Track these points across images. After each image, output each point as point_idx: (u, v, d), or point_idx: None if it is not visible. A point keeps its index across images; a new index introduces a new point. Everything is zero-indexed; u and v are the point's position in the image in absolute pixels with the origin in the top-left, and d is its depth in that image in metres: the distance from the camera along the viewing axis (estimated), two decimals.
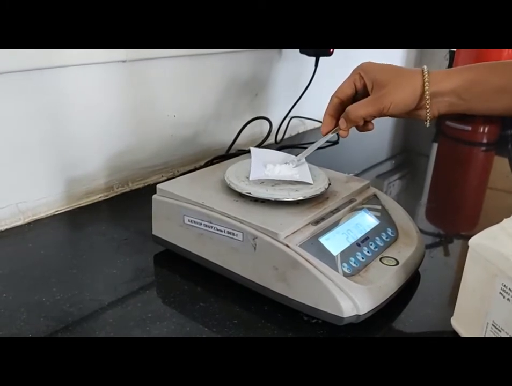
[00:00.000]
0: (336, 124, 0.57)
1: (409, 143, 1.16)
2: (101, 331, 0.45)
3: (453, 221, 0.74)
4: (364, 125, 0.57)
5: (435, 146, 1.13)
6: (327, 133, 0.58)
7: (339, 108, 0.57)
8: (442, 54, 1.41)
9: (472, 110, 0.55)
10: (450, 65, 1.33)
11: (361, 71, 0.55)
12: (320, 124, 1.04)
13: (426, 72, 0.53)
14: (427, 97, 0.52)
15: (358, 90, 0.56)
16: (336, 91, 0.57)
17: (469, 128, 1.15)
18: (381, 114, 0.54)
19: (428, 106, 0.53)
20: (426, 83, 0.52)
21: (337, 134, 0.57)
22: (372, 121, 0.57)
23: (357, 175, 0.83)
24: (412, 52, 1.48)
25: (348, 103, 0.56)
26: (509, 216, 0.42)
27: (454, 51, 1.27)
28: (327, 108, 0.58)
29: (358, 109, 0.54)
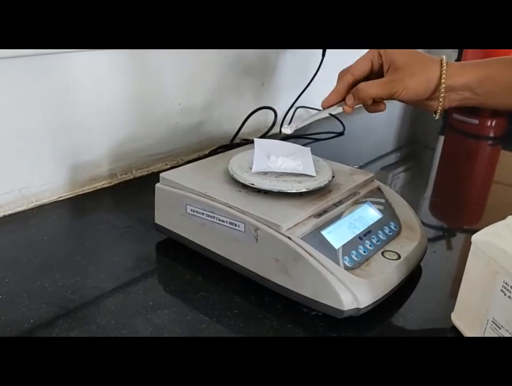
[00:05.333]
0: (340, 98, 0.56)
1: (415, 135, 1.15)
2: (102, 319, 0.45)
3: (457, 216, 0.74)
4: (375, 105, 0.56)
5: (441, 139, 1.12)
6: (327, 108, 0.56)
7: (351, 85, 0.55)
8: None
9: (483, 104, 0.54)
10: (459, 58, 1.32)
11: (381, 50, 0.54)
12: (327, 115, 1.04)
13: (445, 64, 0.52)
14: (442, 90, 0.52)
15: (374, 69, 0.55)
16: (351, 67, 0.55)
17: (477, 121, 1.14)
18: (392, 98, 0.53)
19: (441, 99, 0.52)
20: (444, 76, 0.51)
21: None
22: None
23: (362, 167, 0.83)
24: None
25: (361, 80, 0.54)
26: None
27: None
28: (338, 84, 0.55)
29: (370, 89, 0.53)
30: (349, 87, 0.55)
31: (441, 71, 0.51)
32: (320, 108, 0.57)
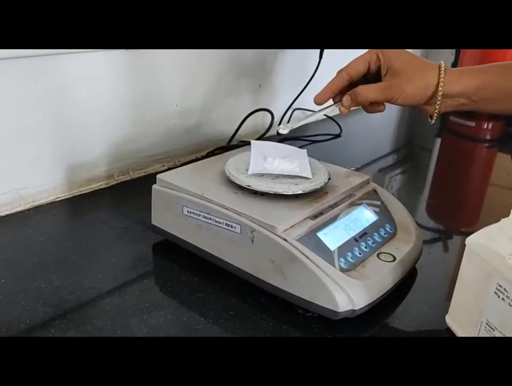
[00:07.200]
0: (337, 99, 0.56)
1: (412, 137, 1.16)
2: (98, 319, 0.45)
3: (453, 218, 0.74)
4: (374, 106, 0.56)
5: (438, 141, 1.12)
6: (320, 104, 0.56)
7: (345, 84, 0.55)
8: (448, 50, 1.40)
9: (479, 109, 0.55)
10: (456, 61, 1.32)
11: (380, 52, 0.54)
12: (323, 117, 1.04)
13: (443, 71, 0.52)
14: (439, 97, 0.52)
15: (371, 70, 0.55)
16: (347, 66, 0.55)
17: (473, 124, 1.15)
18: (389, 102, 0.54)
19: (437, 105, 0.53)
20: (441, 83, 0.51)
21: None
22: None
23: (358, 169, 0.83)
24: None
25: (356, 81, 0.55)
26: (508, 215, 0.42)
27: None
28: (332, 80, 0.56)
29: (367, 93, 0.53)
30: (343, 86, 0.55)
31: (439, 78, 0.52)
32: (318, 110, 0.58)
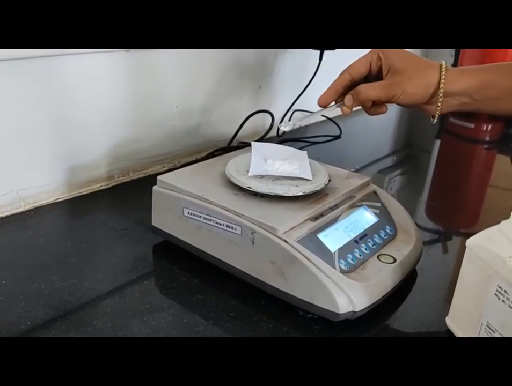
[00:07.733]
0: (339, 100, 0.56)
1: (411, 139, 1.16)
2: (99, 321, 0.45)
3: (453, 219, 0.74)
4: (377, 107, 0.56)
5: (438, 142, 1.13)
6: (324, 106, 0.56)
7: (348, 84, 0.55)
8: (447, 51, 1.40)
9: (481, 109, 0.55)
10: (455, 61, 1.33)
11: (381, 52, 0.54)
12: (323, 118, 1.05)
13: (444, 70, 0.52)
14: (440, 95, 0.52)
15: (372, 71, 0.55)
16: (349, 67, 0.56)
17: (473, 125, 1.15)
18: (390, 101, 0.53)
19: (439, 104, 0.53)
20: (443, 81, 0.51)
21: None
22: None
23: (358, 170, 0.83)
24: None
25: (358, 81, 0.55)
26: (508, 217, 0.42)
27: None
28: (334, 81, 0.56)
29: (369, 91, 0.53)
30: (346, 86, 0.55)
31: (440, 76, 0.52)
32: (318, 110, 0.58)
